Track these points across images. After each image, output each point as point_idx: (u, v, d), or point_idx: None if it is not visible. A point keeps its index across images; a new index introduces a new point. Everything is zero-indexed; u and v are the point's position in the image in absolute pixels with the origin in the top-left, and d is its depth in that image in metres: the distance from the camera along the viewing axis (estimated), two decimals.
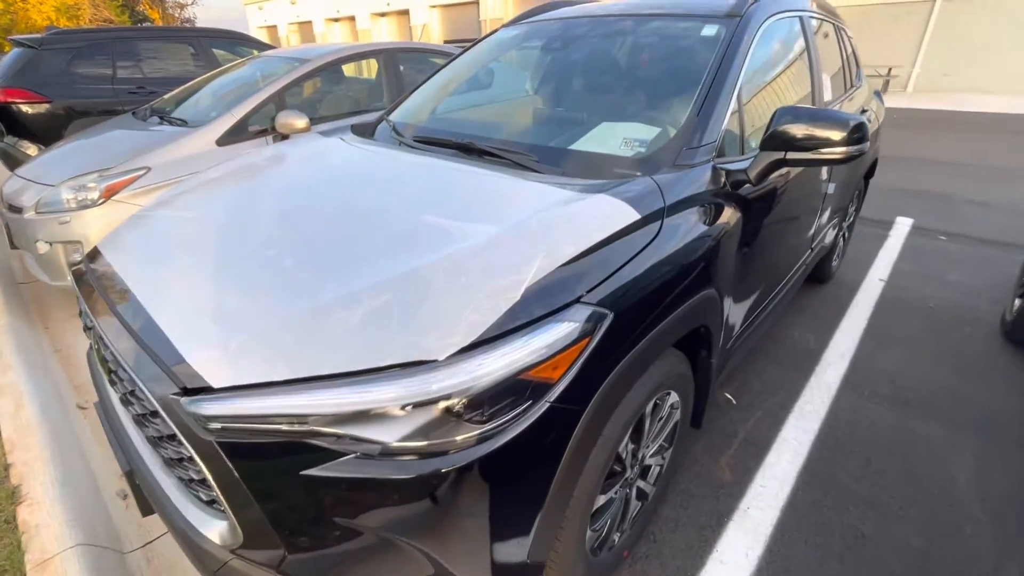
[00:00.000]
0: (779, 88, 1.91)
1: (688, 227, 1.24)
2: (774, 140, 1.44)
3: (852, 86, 2.79)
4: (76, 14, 22.23)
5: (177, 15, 28.90)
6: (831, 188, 2.21)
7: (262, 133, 3.31)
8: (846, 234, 3.30)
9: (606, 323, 0.98)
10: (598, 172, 1.40)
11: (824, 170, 2.10)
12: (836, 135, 1.41)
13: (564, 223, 1.09)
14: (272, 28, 32.71)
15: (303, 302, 0.94)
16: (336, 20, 28.12)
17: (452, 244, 1.03)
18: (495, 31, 2.33)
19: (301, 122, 3.20)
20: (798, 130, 1.42)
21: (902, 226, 4.27)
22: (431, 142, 1.71)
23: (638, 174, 1.34)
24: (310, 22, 29.47)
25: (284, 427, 0.83)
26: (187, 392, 0.87)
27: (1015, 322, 2.51)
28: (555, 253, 1.00)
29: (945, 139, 8.14)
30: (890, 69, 14.29)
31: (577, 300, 0.96)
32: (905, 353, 2.53)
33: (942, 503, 1.72)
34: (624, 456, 1.28)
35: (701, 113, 1.46)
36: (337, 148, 1.81)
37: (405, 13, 24.40)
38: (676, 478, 1.81)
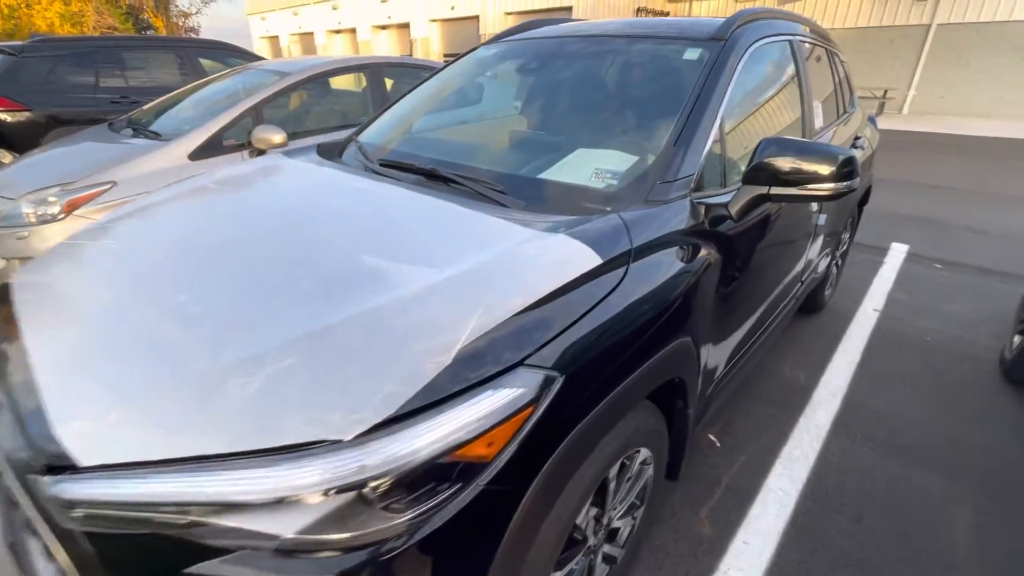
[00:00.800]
0: (767, 116, 1.81)
1: (659, 271, 1.12)
2: (757, 173, 1.34)
3: (845, 112, 2.70)
4: (80, 20, 22.34)
5: (181, 24, 29.12)
6: (822, 219, 2.10)
7: (238, 148, 3.20)
8: (839, 262, 3.19)
9: (555, 388, 0.86)
10: (566, 206, 1.29)
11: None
12: (824, 170, 1.31)
13: (514, 269, 0.97)
14: (274, 39, 32.95)
15: (199, 364, 0.81)
16: (337, 32, 28.34)
17: (384, 293, 0.91)
18: (474, 49, 2.24)
19: (278, 137, 3.10)
20: (783, 163, 1.31)
21: (897, 253, 4.17)
22: (398, 167, 1.59)
23: (608, 209, 1.23)
24: (312, 33, 29.70)
25: (159, 516, 0.70)
26: (50, 471, 0.74)
27: (1015, 361, 2.39)
28: (500, 306, 0.87)
29: (941, 163, 8.11)
30: (885, 91, 14.36)
31: (521, 362, 0.83)
32: (900, 392, 2.40)
33: (938, 566, 1.58)
34: (585, 525, 1.15)
35: (679, 143, 1.35)
36: (295, 172, 1.69)
37: (406, 26, 24.59)
38: (651, 533, 1.67)
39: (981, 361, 2.66)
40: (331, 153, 1.90)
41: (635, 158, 1.46)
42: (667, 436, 1.39)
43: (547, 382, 0.85)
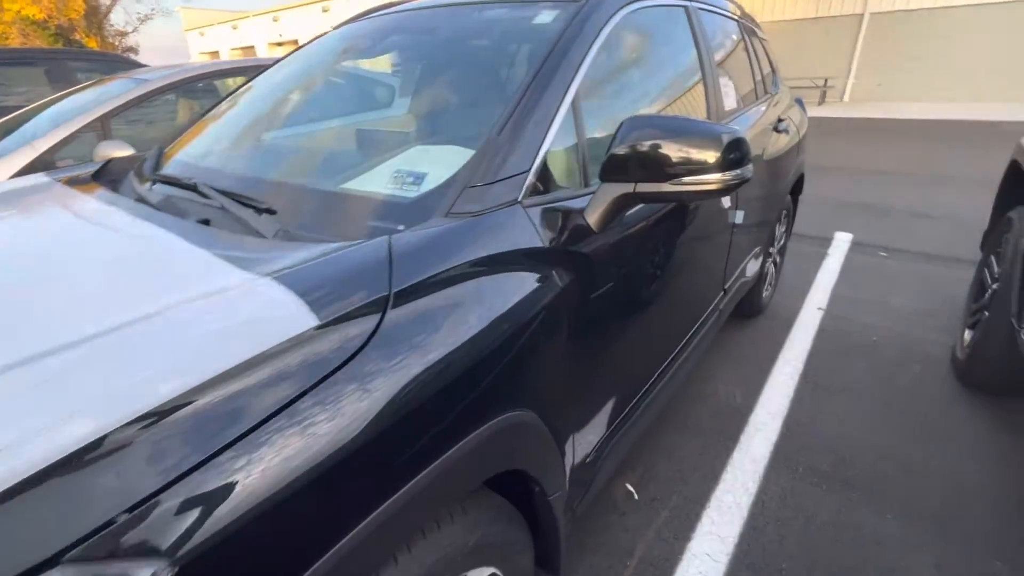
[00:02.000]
0: (651, 95, 1.46)
1: (449, 321, 0.74)
2: (618, 165, 0.97)
3: (767, 93, 2.41)
4: (4, 43, 20.87)
5: (118, 43, 27.65)
6: (738, 216, 1.77)
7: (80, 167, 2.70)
8: (777, 259, 2.90)
9: None
10: (351, 227, 0.89)
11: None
12: (706, 156, 0.95)
13: (158, 345, 0.57)
14: (214, 54, 31.74)
15: None
16: (280, 44, 27.46)
17: None
18: (305, 44, 1.83)
19: (123, 152, 2.61)
20: (651, 150, 0.95)
21: (841, 242, 3.95)
22: (173, 184, 1.17)
23: (400, 228, 0.84)
24: (253, 47, 28.73)
25: None
26: None
27: (969, 362, 2.12)
28: (63, 430, 0.47)
29: (881, 148, 8.12)
30: (826, 80, 14.62)
31: (57, 560, 0.43)
32: (847, 407, 2.10)
33: None
34: None
35: (506, 131, 0.97)
36: (43, 199, 1.25)
37: None
38: None
39: (932, 361, 2.39)
40: (112, 173, 1.46)
41: (470, 153, 1.08)
42: (527, 535, 1.00)
43: None
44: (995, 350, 1.95)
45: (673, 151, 0.95)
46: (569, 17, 1.20)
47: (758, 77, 2.33)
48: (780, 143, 2.28)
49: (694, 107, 1.64)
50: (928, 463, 1.80)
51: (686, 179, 0.95)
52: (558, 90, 1.05)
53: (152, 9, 26.80)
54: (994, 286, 2.14)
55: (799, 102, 2.96)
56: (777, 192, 2.40)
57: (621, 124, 0.99)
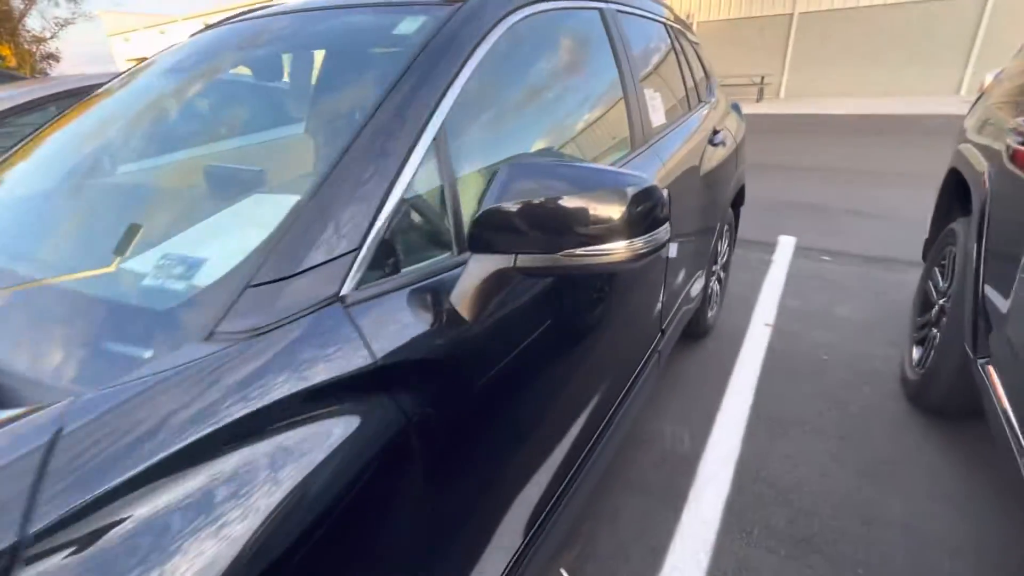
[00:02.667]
0: (552, 124, 1.21)
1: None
2: (488, 231, 0.71)
3: (700, 103, 2.23)
4: None
5: (35, 50, 25.37)
6: (672, 250, 1.56)
7: None
8: (722, 275, 2.74)
9: None
10: (51, 361, 0.59)
11: None
12: (608, 215, 0.70)
13: None
14: (141, 60, 29.74)
15: None
16: None
17: None
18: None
19: None
20: (533, 209, 0.69)
21: (785, 247, 3.88)
22: None
23: (145, 359, 0.54)
24: None
25: None
26: None
27: (921, 385, 2.00)
28: None
29: (817, 144, 8.32)
30: (763, 77, 15.06)
31: None
32: (801, 445, 1.93)
33: None
34: None
35: (327, 191, 0.69)
36: None
37: None
38: None
39: (882, 379, 2.27)
40: None
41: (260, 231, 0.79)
42: None
43: None
44: (948, 376, 1.82)
45: (563, 210, 0.69)
46: (437, 26, 0.92)
47: (690, 85, 2.14)
48: (717, 157, 2.09)
49: (614, 129, 1.40)
50: (888, 511, 1.63)
51: (579, 251, 0.70)
52: (413, 125, 0.78)
53: (72, 14, 24.55)
54: (941, 302, 2.02)
55: (736, 108, 2.81)
56: (716, 209, 2.21)
57: (494, 174, 0.72)
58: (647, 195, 0.71)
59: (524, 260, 0.71)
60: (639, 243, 0.71)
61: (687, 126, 1.87)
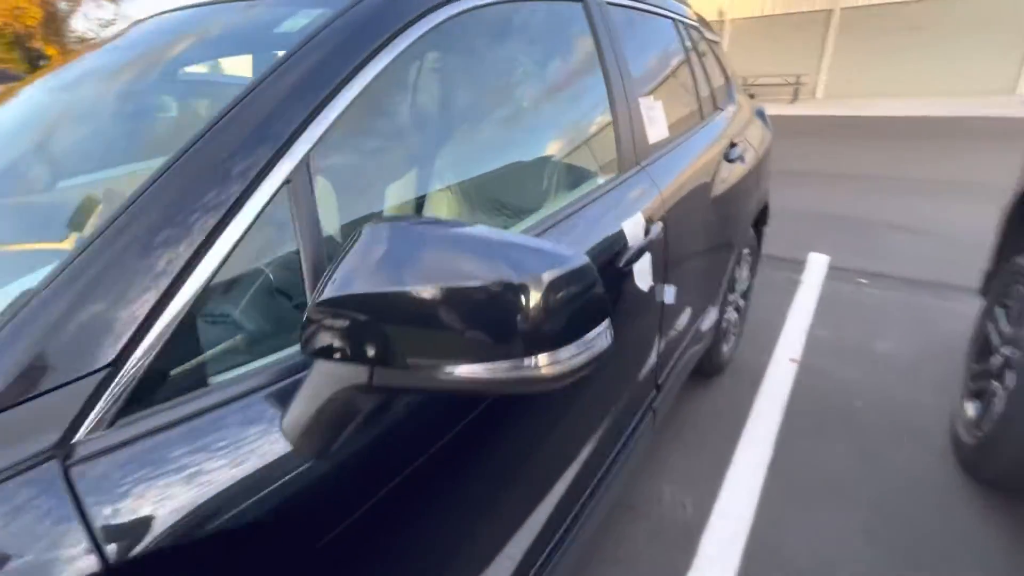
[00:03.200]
0: (496, 151, 0.97)
1: None
2: (329, 330, 0.46)
3: (716, 111, 1.93)
4: None
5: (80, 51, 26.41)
6: (669, 294, 1.28)
7: None
8: (741, 303, 2.43)
9: None
10: None
11: (644, 270, 1.15)
12: (513, 309, 0.44)
13: None
14: None
15: None
16: None
17: None
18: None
19: None
20: (390, 302, 0.44)
21: (817, 267, 3.51)
22: None
23: None
24: None
25: None
26: None
27: (979, 452, 1.66)
28: None
29: (856, 148, 7.78)
30: (799, 77, 14.38)
31: None
32: (827, 519, 1.62)
33: None
34: None
35: (75, 270, 0.46)
36: None
37: None
38: None
39: (928, 436, 1.93)
40: None
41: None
42: None
43: None
44: (1014, 447, 1.49)
45: (439, 305, 0.44)
46: (327, 22, 0.68)
47: (704, 92, 1.85)
48: (734, 174, 1.80)
49: (595, 152, 1.14)
50: None
51: (462, 372, 0.44)
52: (253, 160, 0.54)
53: (115, 15, 25.42)
54: (1006, 351, 1.68)
55: (760, 115, 2.49)
56: (733, 234, 1.92)
57: (352, 238, 0.48)
58: (574, 280, 0.46)
59: (385, 376, 0.47)
60: (563, 355, 0.46)
61: (696, 141, 1.59)
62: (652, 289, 1.20)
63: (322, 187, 0.61)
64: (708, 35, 2.14)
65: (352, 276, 0.45)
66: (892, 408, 2.09)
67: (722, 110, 1.97)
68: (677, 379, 1.59)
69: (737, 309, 2.38)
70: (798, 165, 6.33)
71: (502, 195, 1.08)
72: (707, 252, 1.63)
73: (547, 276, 0.44)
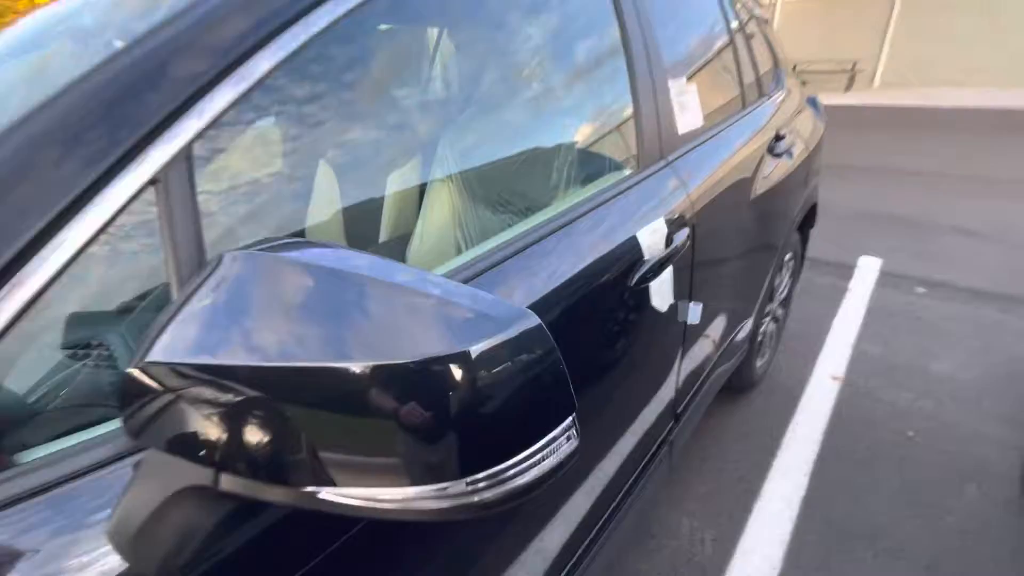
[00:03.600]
0: (474, 143, 0.82)
1: None
2: (154, 412, 0.32)
3: (762, 97, 1.70)
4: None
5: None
6: (693, 312, 1.09)
7: None
8: (779, 313, 2.20)
9: None
10: None
11: (663, 287, 0.97)
12: (422, 402, 0.28)
13: None
14: None
15: None
16: None
17: None
18: None
19: None
20: (239, 378, 0.29)
21: (867, 272, 3.20)
22: None
23: None
24: None
25: None
26: None
27: None
28: None
29: (917, 142, 7.18)
30: (855, 64, 13.43)
31: None
32: (870, 571, 1.41)
33: None
34: None
35: None
36: None
37: None
38: None
39: (994, 477, 1.68)
40: None
41: None
42: None
43: None
44: None
45: (311, 389, 0.29)
46: None
47: (749, 76, 1.62)
48: (780, 170, 1.57)
49: (613, 141, 0.96)
50: None
51: (336, 496, 0.29)
52: (105, 144, 0.40)
53: None
54: None
55: (813, 103, 2.22)
56: (775, 238, 1.69)
57: (204, 268, 0.33)
58: (519, 351, 0.30)
59: (237, 483, 0.32)
60: (505, 470, 0.30)
61: (735, 131, 1.37)
62: (673, 307, 1.02)
63: (210, 183, 0.46)
64: (756, 11, 1.89)
65: (184, 333, 0.30)
66: (950, 441, 1.84)
67: (769, 97, 1.73)
68: (700, 406, 1.40)
69: (775, 320, 2.15)
70: (850, 159, 5.86)
71: (495, 190, 0.93)
72: (743, 260, 1.43)
73: (476, 348, 0.28)
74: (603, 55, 1.03)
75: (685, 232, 0.99)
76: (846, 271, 3.22)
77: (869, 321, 2.65)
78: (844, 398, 2.09)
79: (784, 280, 2.11)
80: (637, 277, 0.85)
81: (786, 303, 2.28)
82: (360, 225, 0.95)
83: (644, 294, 0.88)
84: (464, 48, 1.05)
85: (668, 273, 0.94)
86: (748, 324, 1.70)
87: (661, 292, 0.92)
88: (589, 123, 1.05)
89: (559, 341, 0.32)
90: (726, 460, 1.81)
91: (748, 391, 2.12)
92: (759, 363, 2.08)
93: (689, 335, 1.15)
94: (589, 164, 1.02)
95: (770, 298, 1.93)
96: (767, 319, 2.01)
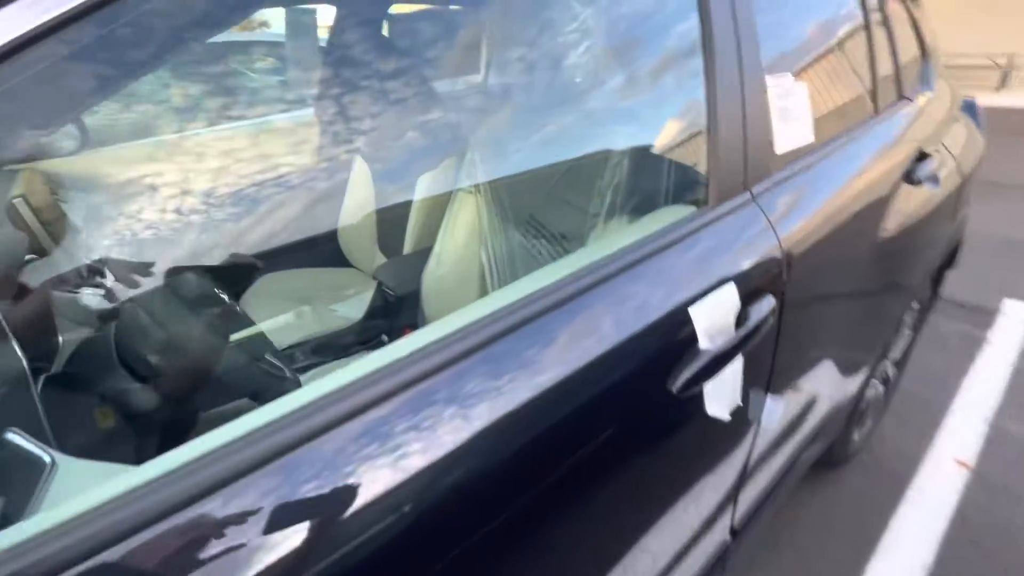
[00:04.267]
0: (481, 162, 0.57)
1: None
2: None
3: (901, 100, 1.28)
4: None
5: None
6: (769, 412, 0.76)
7: None
8: (890, 373, 1.75)
9: None
10: None
11: (725, 388, 0.66)
12: None
13: None
14: None
15: None
16: None
17: None
18: None
19: None
20: None
21: (1013, 321, 2.56)
22: None
23: None
24: None
25: None
26: None
27: None
28: None
29: None
30: (1011, 57, 11.39)
31: None
32: None
33: None
34: None
35: None
36: None
37: None
38: None
39: None
40: None
41: None
42: None
43: None
44: None
45: None
46: None
47: (884, 70, 1.21)
48: (918, 201, 1.16)
49: (683, 162, 0.68)
50: None
51: None
52: None
53: None
54: None
55: (970, 109, 1.71)
56: (901, 292, 1.28)
57: None
58: None
59: None
60: None
61: (859, 149, 1.00)
62: (741, 408, 0.71)
63: None
64: None
65: None
66: None
67: (910, 100, 1.29)
68: (766, 515, 1.06)
69: (885, 382, 1.71)
70: (996, 175, 4.86)
71: (526, 210, 0.72)
72: (854, 327, 1.06)
73: None
74: (674, 42, 0.74)
75: (770, 303, 0.68)
76: (985, 317, 2.59)
77: (1015, 387, 2.08)
78: (972, 494, 1.62)
79: (903, 333, 1.66)
80: (683, 380, 0.56)
81: (901, 362, 1.81)
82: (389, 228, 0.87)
83: (693, 402, 0.59)
84: (504, 32, 0.84)
85: (735, 367, 0.63)
86: (851, 389, 1.31)
87: (721, 396, 0.62)
88: (647, 134, 0.77)
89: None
90: (801, 561, 1.44)
91: (838, 467, 1.70)
92: (857, 435, 1.65)
93: (759, 435, 0.83)
94: (639, 191, 0.74)
95: (884, 356, 1.51)
96: (880, 375, 1.58)
